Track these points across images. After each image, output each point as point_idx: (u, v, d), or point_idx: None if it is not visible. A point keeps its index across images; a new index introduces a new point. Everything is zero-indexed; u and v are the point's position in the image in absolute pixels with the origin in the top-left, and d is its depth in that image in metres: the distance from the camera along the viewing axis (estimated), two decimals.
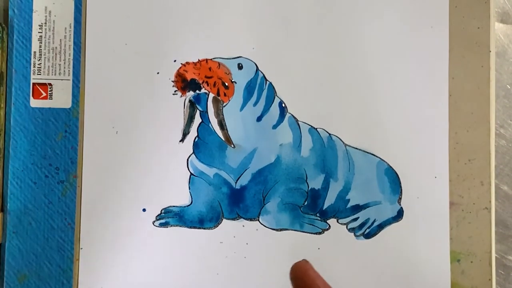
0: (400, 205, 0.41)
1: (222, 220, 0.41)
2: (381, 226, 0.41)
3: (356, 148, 0.42)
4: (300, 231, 0.41)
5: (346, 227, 0.41)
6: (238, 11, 0.42)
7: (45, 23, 0.42)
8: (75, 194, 0.41)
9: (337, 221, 0.41)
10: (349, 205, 0.41)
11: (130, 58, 0.41)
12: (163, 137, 0.41)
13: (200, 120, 0.42)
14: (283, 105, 0.42)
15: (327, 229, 0.41)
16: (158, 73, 0.42)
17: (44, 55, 0.41)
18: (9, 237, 0.41)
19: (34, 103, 0.41)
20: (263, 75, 0.42)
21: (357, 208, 0.41)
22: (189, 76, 0.41)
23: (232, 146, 0.41)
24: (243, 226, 0.41)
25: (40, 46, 0.41)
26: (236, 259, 0.41)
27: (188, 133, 0.42)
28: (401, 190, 0.41)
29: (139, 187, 0.41)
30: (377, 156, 0.42)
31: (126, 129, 0.41)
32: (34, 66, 0.41)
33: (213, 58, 0.42)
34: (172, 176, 0.41)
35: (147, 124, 0.41)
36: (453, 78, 0.42)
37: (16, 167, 0.41)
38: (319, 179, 0.42)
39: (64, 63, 0.42)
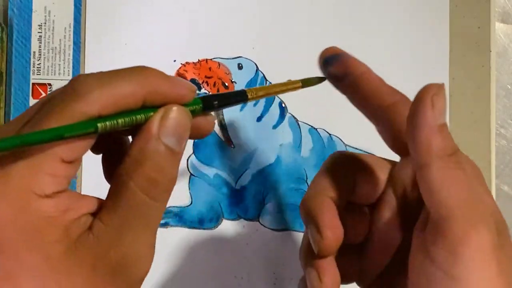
0: None
1: (222, 220, 0.41)
2: None
3: (356, 148, 0.42)
4: (300, 231, 0.41)
5: None
6: (238, 11, 0.42)
7: (45, 23, 0.41)
8: None
9: None
10: None
11: (130, 58, 0.41)
12: None
13: None
14: (283, 105, 0.42)
15: None
16: None
17: (44, 55, 0.41)
18: None
19: (34, 103, 0.41)
20: (263, 75, 0.42)
21: None
22: (189, 76, 0.41)
23: (232, 146, 0.41)
24: (243, 226, 0.41)
25: (40, 46, 0.41)
26: (236, 259, 0.41)
27: None
28: None
29: None
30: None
31: None
32: (33, 66, 0.41)
33: (213, 58, 0.42)
34: None
35: None
36: (453, 78, 0.42)
37: None
38: None
39: (64, 63, 0.41)
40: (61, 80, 0.41)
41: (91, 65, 0.41)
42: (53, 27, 0.41)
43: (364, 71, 0.27)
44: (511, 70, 0.44)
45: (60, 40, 0.41)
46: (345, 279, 0.27)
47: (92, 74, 0.22)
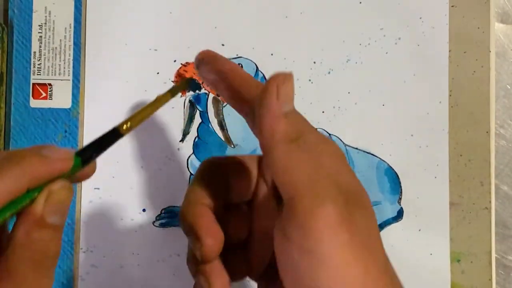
0: (400, 205, 0.41)
1: None
2: (381, 226, 0.41)
3: (356, 148, 0.42)
4: None
5: None
6: (238, 11, 0.42)
7: (45, 23, 0.41)
8: (75, 194, 0.41)
9: None
10: None
11: (130, 58, 0.41)
12: (163, 137, 0.41)
13: (200, 120, 0.42)
14: None
15: None
16: (158, 73, 0.42)
17: (44, 55, 0.41)
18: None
19: (34, 103, 0.41)
20: (263, 75, 0.42)
21: None
22: (189, 76, 0.41)
23: (232, 146, 0.41)
24: None
25: (40, 46, 0.41)
26: None
27: (188, 133, 0.42)
28: (401, 190, 0.41)
29: (139, 187, 0.41)
30: (377, 156, 0.42)
31: None
32: (34, 66, 0.41)
33: None
34: (172, 176, 0.41)
35: (147, 124, 0.41)
36: (453, 78, 0.42)
37: None
38: None
39: (64, 63, 0.42)
40: (62, 80, 0.41)
41: (91, 65, 0.41)
42: (53, 27, 0.42)
43: (232, 67, 0.28)
44: (510, 70, 0.44)
45: (60, 40, 0.42)
46: (235, 277, 0.27)
47: None
